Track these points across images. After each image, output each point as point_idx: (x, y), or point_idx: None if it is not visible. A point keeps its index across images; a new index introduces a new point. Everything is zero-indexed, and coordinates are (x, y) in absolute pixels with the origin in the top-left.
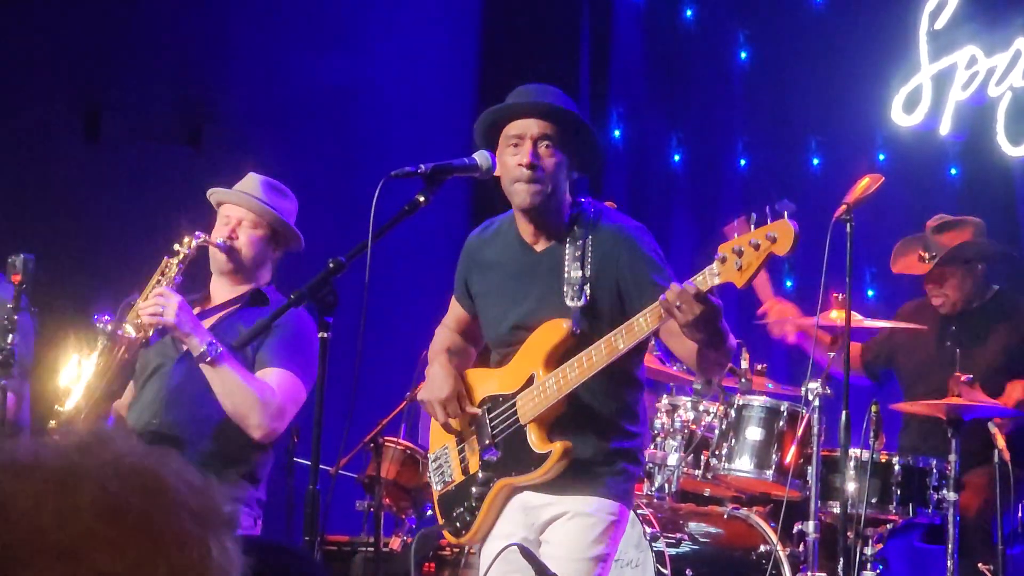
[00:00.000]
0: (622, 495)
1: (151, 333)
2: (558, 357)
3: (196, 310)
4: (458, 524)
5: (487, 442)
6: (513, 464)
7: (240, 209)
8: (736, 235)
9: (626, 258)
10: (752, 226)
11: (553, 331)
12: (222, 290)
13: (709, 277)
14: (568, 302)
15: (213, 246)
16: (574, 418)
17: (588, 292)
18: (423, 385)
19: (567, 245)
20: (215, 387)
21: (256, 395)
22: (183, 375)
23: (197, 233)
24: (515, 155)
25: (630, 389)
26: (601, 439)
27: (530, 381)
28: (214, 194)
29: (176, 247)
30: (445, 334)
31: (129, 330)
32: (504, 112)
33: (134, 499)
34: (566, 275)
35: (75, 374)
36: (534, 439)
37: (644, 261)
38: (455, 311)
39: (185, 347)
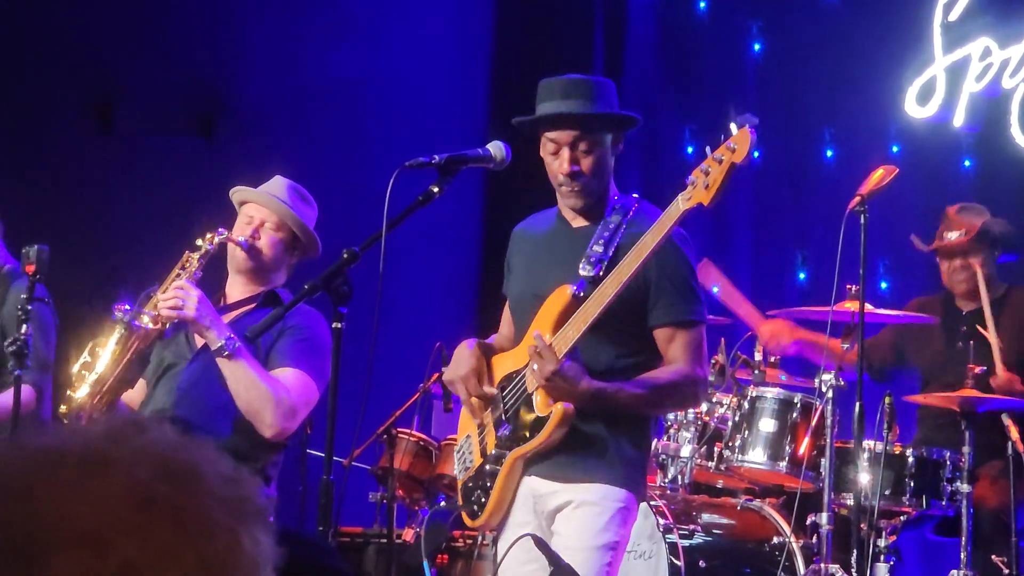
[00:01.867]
0: (629, 482)
1: (168, 326)
2: (564, 322)
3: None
4: (475, 507)
5: (500, 418)
6: (520, 434)
7: (264, 210)
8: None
9: (659, 258)
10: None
11: (559, 297)
12: (237, 290)
13: (682, 202)
14: (580, 271)
15: (235, 244)
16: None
17: (604, 267)
18: (447, 369)
19: (599, 226)
20: (230, 382)
21: (271, 392)
22: (195, 374)
23: (220, 229)
24: (555, 160)
25: (641, 374)
26: (609, 426)
27: None
28: (238, 192)
29: (198, 242)
30: (497, 337)
31: (147, 321)
32: (537, 123)
33: (163, 487)
34: (588, 249)
35: (89, 361)
36: (539, 404)
37: (675, 271)
38: (506, 312)
39: (199, 346)
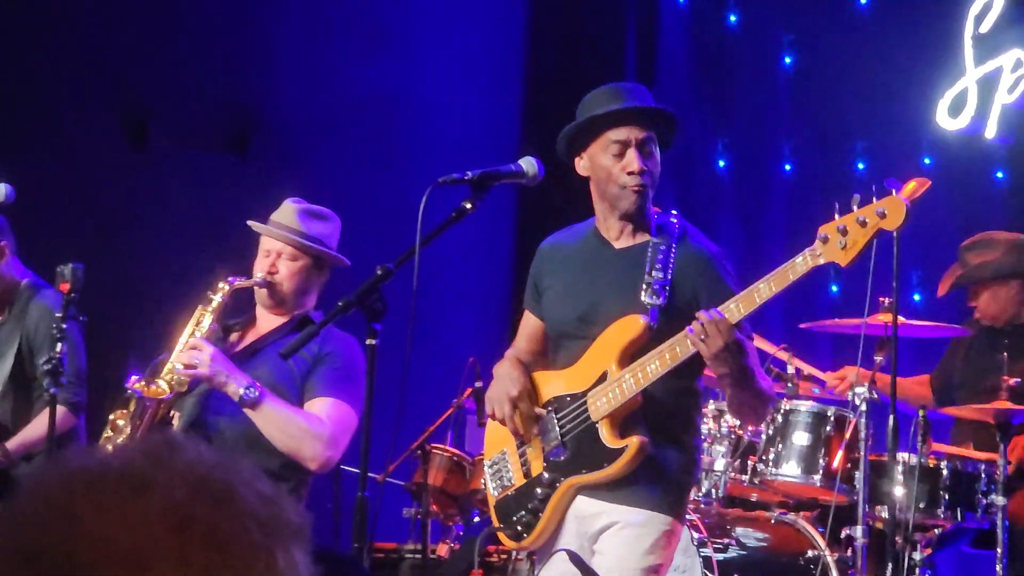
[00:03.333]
0: (675, 507)
1: (185, 388)
2: (632, 353)
3: (241, 335)
4: (519, 527)
5: (554, 442)
6: (583, 462)
7: (277, 242)
8: (837, 216)
9: (706, 280)
10: (855, 207)
11: (630, 326)
12: (267, 320)
13: (811, 258)
14: (645, 298)
15: (253, 286)
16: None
17: (668, 293)
18: (490, 385)
19: (649, 248)
20: (263, 428)
21: (306, 427)
22: (220, 396)
23: (231, 279)
24: (619, 160)
25: (691, 398)
26: (660, 451)
27: (602, 378)
28: (252, 227)
29: (209, 295)
30: (514, 349)
31: (163, 387)
32: (610, 118)
33: (201, 508)
34: (646, 275)
35: (111, 434)
36: (606, 435)
37: (724, 288)
38: (525, 325)
39: None
